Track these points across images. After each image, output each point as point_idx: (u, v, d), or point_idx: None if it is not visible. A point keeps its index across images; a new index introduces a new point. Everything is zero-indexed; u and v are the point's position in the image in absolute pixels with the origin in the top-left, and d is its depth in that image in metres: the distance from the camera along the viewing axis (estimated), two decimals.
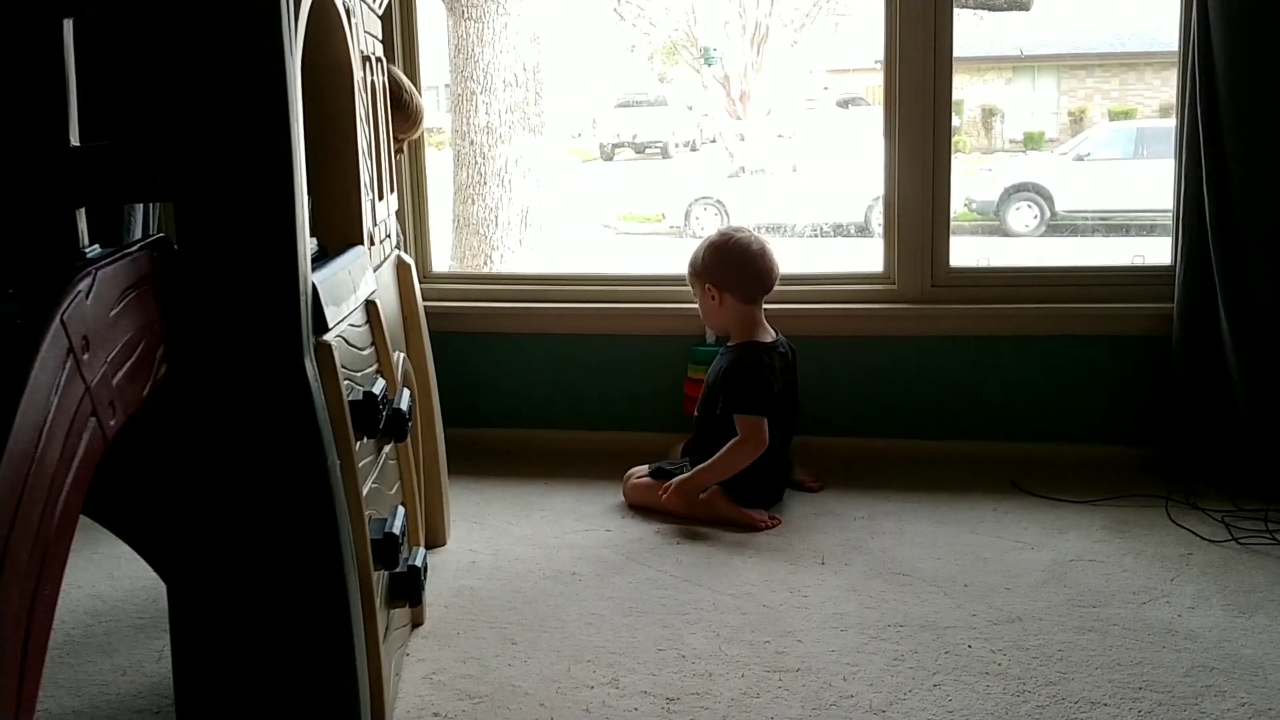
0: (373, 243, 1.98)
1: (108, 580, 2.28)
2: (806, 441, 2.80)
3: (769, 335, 2.65)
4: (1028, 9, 7.32)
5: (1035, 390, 2.87)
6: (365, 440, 1.65)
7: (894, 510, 2.57)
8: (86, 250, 1.26)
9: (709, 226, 6.53)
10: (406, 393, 1.91)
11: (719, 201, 7.01)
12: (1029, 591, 2.14)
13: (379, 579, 1.64)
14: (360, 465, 1.59)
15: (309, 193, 1.48)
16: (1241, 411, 2.62)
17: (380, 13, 2.19)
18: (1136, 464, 2.78)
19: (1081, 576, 2.20)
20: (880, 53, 2.89)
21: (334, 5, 1.75)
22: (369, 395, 1.62)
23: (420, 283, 2.43)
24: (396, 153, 2.75)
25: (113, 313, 1.17)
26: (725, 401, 2.56)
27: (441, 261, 4.53)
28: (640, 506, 2.62)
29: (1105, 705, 1.74)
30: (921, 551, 2.34)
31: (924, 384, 2.91)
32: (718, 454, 2.51)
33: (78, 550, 1.89)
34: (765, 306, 2.67)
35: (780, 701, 1.77)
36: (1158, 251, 2.95)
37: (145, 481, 1.41)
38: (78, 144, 1.28)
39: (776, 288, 2.67)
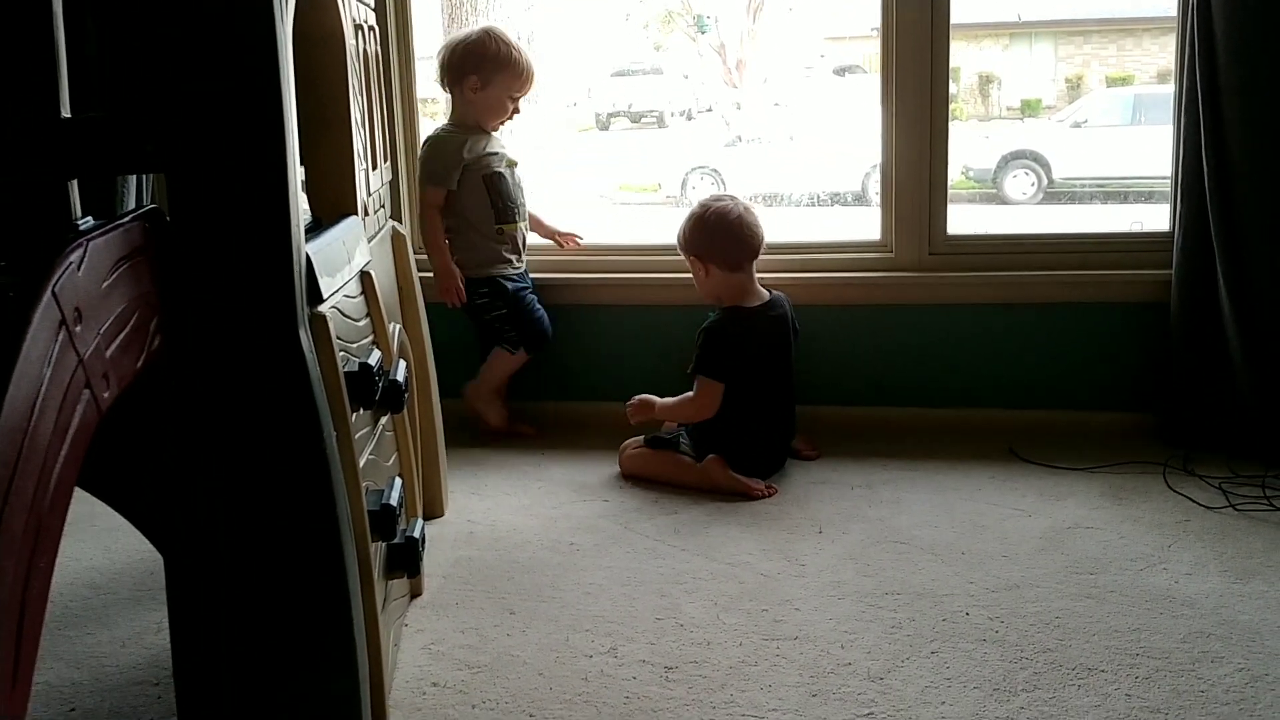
0: (367, 213, 1.97)
1: (105, 553, 2.28)
2: (804, 410, 2.79)
3: (758, 299, 2.64)
4: None
5: (1033, 357, 2.86)
6: (361, 412, 1.64)
7: (891, 478, 2.57)
8: (79, 222, 1.25)
9: (706, 195, 6.49)
10: (402, 364, 1.91)
11: (715, 171, 6.96)
12: (1026, 559, 2.14)
13: (377, 550, 1.65)
14: (357, 437, 1.59)
15: (302, 163, 1.47)
16: (1239, 378, 2.61)
17: None
18: (1134, 431, 2.79)
19: (1079, 543, 2.20)
20: (877, 20, 2.87)
21: None
22: (364, 366, 1.62)
23: (416, 254, 2.41)
24: (513, 112, 2.78)
25: (105, 284, 1.16)
26: (693, 362, 2.58)
27: None
28: (637, 476, 2.62)
29: (1102, 671, 1.74)
30: (919, 519, 2.34)
31: (922, 352, 2.90)
32: (675, 398, 2.63)
33: (74, 524, 1.89)
34: (762, 275, 2.66)
35: (778, 670, 1.78)
36: (1156, 218, 2.94)
37: (141, 454, 1.41)
38: (69, 115, 1.27)
39: (775, 256, 2.66)
